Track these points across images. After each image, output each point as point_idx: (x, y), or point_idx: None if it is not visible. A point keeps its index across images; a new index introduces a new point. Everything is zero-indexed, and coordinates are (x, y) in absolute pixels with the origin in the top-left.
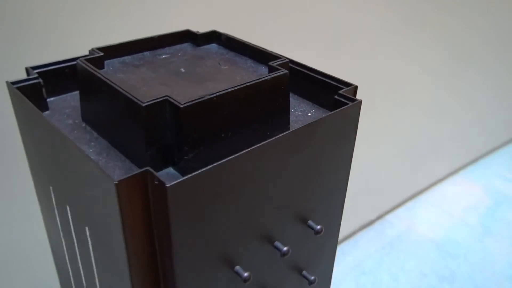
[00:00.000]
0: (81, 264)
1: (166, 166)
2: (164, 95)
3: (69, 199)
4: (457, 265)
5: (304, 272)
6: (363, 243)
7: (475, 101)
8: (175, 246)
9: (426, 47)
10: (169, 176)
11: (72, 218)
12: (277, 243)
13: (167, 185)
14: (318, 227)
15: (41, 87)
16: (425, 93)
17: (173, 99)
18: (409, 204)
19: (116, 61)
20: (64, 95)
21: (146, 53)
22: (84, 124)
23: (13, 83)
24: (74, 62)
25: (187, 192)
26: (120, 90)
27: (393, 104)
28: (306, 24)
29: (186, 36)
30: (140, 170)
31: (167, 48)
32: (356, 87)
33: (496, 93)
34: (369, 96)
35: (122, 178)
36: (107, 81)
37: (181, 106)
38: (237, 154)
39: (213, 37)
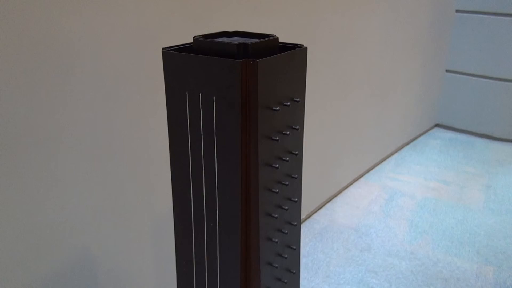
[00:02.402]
0: (203, 134)
1: None
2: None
3: (204, 91)
4: (371, 240)
5: (292, 126)
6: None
7: (361, 124)
8: (260, 96)
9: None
10: None
11: (202, 101)
12: (286, 103)
13: (258, 60)
14: (298, 99)
15: None
16: (323, 115)
17: (245, 43)
18: (328, 206)
19: None
20: None
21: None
22: None
23: (167, 51)
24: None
25: (263, 67)
26: (226, 41)
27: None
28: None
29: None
30: (244, 59)
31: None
32: (305, 47)
33: (377, 114)
34: None
35: (241, 60)
36: (218, 41)
37: (250, 43)
38: (275, 56)
39: (236, 32)
